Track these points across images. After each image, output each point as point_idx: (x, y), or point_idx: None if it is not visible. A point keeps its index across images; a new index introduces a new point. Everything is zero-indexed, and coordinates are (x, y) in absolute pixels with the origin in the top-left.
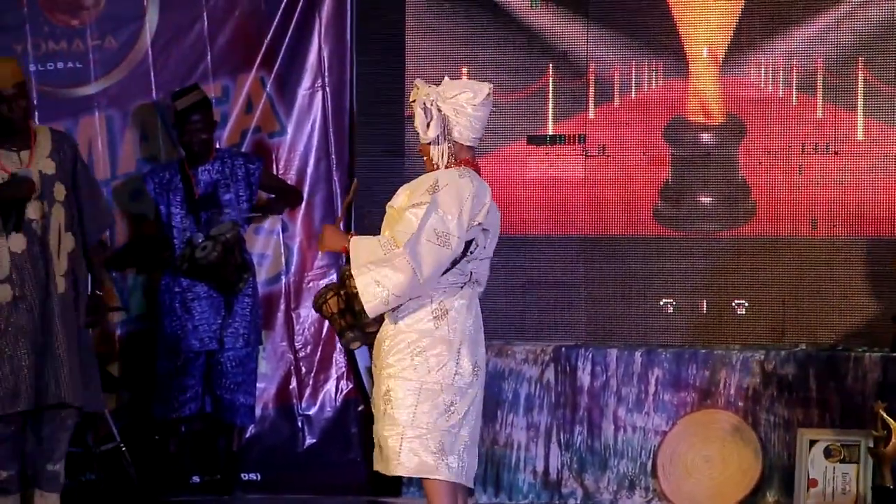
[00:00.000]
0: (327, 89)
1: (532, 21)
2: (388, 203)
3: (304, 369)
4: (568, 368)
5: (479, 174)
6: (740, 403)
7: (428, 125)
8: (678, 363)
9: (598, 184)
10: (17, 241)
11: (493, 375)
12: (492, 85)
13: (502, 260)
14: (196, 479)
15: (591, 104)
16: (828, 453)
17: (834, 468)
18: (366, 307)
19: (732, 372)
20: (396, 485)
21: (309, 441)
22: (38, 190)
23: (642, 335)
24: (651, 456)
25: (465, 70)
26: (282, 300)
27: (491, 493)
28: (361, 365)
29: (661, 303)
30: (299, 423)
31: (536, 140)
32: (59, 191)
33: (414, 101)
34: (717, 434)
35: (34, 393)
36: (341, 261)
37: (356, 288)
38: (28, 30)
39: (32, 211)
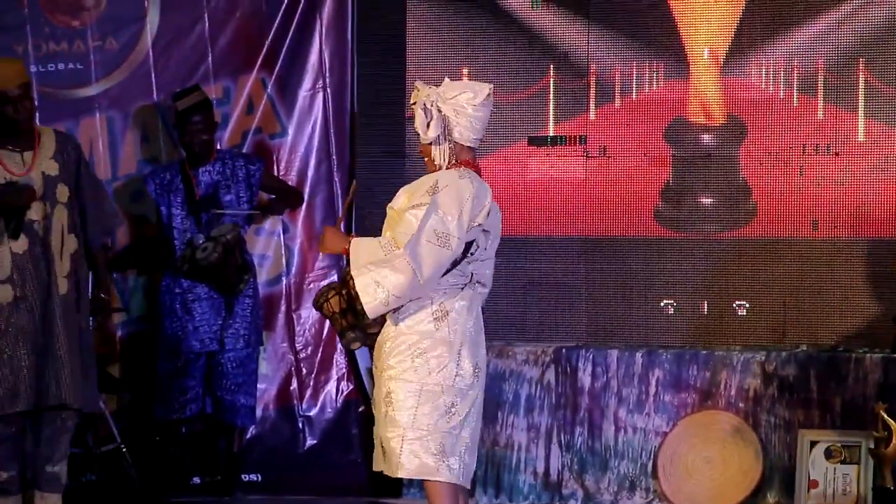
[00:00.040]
0: (328, 90)
1: (533, 22)
2: (389, 204)
3: (304, 370)
4: (568, 369)
5: (480, 175)
6: (741, 404)
7: (428, 125)
8: (679, 364)
9: (599, 185)
10: (19, 242)
11: (494, 376)
12: (492, 85)
13: (503, 261)
14: (197, 480)
15: (591, 105)
16: (828, 454)
17: (835, 469)
18: (365, 308)
19: (733, 373)
20: (397, 486)
21: (310, 442)
22: (39, 196)
23: (643, 336)
24: (652, 457)
25: (465, 71)
26: (282, 301)
27: (491, 495)
28: (362, 366)
29: (662, 304)
30: (300, 424)
31: (537, 141)
32: (63, 192)
33: (414, 103)
34: (717, 435)
35: (34, 393)
36: (342, 262)
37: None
38: (29, 30)
39: (35, 212)
